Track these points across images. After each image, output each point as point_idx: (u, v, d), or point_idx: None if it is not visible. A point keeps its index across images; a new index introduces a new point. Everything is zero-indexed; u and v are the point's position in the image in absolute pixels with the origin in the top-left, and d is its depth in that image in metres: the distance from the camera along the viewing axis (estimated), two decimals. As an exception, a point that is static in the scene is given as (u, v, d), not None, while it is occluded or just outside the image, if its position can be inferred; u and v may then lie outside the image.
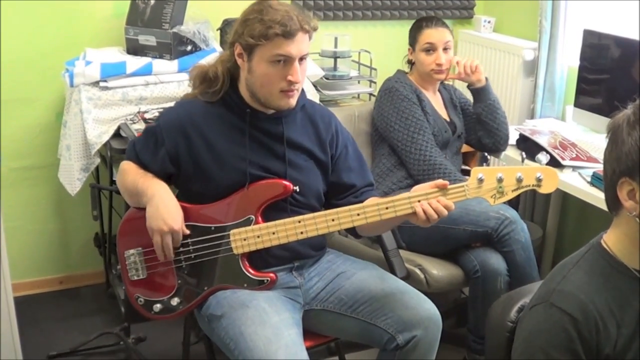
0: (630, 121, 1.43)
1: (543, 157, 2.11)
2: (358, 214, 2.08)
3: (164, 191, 2.13)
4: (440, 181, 2.04)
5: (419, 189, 2.06)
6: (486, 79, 3.03)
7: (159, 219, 2.08)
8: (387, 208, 2.06)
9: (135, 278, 2.21)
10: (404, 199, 2.04)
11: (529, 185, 2.03)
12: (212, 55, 3.14)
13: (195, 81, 2.25)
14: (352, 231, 2.30)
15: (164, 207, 2.09)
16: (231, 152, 2.16)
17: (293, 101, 2.15)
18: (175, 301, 2.20)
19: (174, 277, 2.19)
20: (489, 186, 2.03)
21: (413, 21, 3.07)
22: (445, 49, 2.95)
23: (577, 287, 1.48)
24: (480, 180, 2.02)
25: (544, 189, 2.04)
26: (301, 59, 2.10)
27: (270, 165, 2.19)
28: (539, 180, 2.02)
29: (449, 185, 2.04)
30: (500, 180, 2.02)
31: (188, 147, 2.16)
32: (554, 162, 2.80)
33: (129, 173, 2.20)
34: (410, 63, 3.08)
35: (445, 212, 2.01)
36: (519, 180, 2.02)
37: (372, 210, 2.07)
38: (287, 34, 2.03)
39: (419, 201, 2.02)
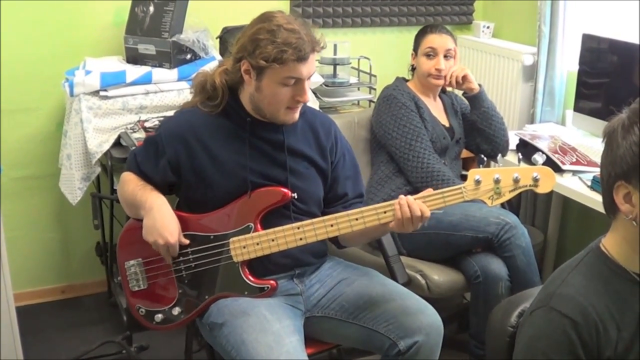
0: (625, 125, 1.43)
1: (539, 158, 2.11)
2: (356, 219, 2.08)
3: (162, 204, 2.13)
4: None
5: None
6: (480, 85, 3.03)
7: (155, 231, 2.09)
8: (385, 212, 2.06)
9: (136, 289, 2.22)
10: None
11: (526, 186, 2.03)
12: (211, 63, 3.15)
13: (196, 89, 2.25)
14: (335, 242, 2.31)
15: (161, 220, 2.09)
16: (232, 160, 2.17)
17: (297, 116, 2.17)
18: (176, 311, 2.20)
19: (174, 287, 2.19)
20: (486, 187, 2.04)
21: (412, 28, 3.10)
22: (446, 57, 2.96)
23: (576, 291, 1.48)
24: (478, 182, 2.03)
25: (541, 189, 2.04)
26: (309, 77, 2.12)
27: (272, 173, 2.19)
28: (535, 180, 2.02)
29: (447, 188, 2.05)
30: (497, 181, 2.03)
31: (189, 155, 2.16)
32: (554, 167, 2.79)
33: (129, 184, 2.20)
34: (413, 69, 3.08)
35: (418, 212, 2.00)
36: (516, 181, 2.02)
37: (370, 214, 2.07)
38: (301, 58, 2.03)
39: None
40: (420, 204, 2.02)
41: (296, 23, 2.07)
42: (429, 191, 2.06)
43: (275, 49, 2.00)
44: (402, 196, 2.04)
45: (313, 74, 2.13)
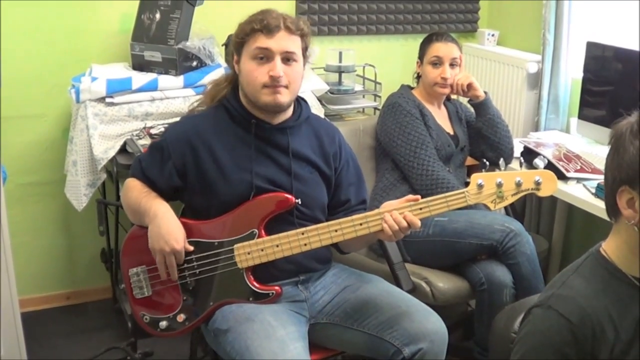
0: (634, 130, 1.44)
1: (540, 162, 2.13)
2: (361, 224, 2.08)
3: (166, 211, 2.14)
4: (410, 196, 2.08)
5: (389, 205, 2.08)
6: (486, 93, 3.04)
7: (161, 239, 2.09)
8: None
9: (140, 296, 2.22)
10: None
11: (528, 189, 2.05)
12: (217, 70, 3.16)
13: (206, 97, 2.31)
14: (336, 247, 2.31)
15: (166, 227, 2.10)
16: (237, 164, 2.18)
17: (281, 98, 2.15)
18: (181, 318, 2.20)
19: (179, 294, 2.19)
20: (488, 191, 2.05)
21: (417, 35, 3.11)
22: (452, 65, 2.97)
23: (576, 292, 1.49)
24: (480, 186, 2.04)
25: (543, 192, 2.06)
26: (288, 59, 2.13)
27: (276, 177, 2.20)
28: (537, 183, 2.04)
29: (450, 192, 2.06)
30: (499, 185, 2.04)
31: (195, 160, 2.17)
32: (558, 174, 2.78)
33: (133, 191, 2.21)
34: (418, 77, 3.09)
35: (405, 224, 2.02)
36: (518, 185, 2.04)
37: (374, 219, 2.07)
38: (265, 28, 2.09)
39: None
40: (410, 216, 2.03)
41: (283, 13, 2.16)
42: (410, 197, 2.07)
43: (246, 25, 2.14)
44: (386, 213, 2.05)
45: (292, 55, 2.14)
